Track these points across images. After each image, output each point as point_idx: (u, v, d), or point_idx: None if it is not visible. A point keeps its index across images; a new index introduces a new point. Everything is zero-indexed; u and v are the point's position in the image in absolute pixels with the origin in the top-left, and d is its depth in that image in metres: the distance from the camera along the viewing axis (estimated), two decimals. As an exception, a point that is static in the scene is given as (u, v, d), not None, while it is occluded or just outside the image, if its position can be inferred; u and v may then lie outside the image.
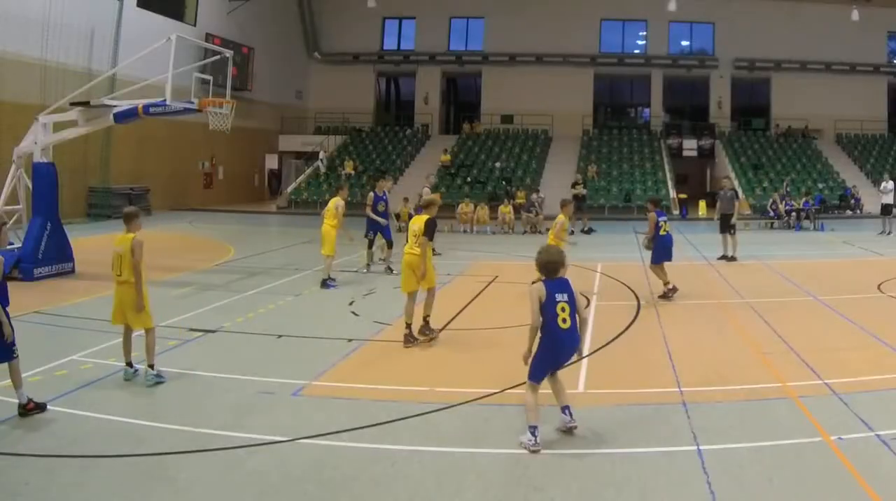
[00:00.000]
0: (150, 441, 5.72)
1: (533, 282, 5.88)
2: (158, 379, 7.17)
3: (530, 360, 5.78)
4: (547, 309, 5.68)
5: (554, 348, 5.74)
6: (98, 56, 25.48)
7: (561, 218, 11.65)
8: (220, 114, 14.24)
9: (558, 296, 5.72)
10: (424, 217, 9.05)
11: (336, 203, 13.24)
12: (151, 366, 7.20)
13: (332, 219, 13.10)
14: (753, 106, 40.77)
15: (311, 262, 15.52)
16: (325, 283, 12.67)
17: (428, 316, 9.04)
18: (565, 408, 5.88)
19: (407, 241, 9.14)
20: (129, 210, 7.74)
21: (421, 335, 8.91)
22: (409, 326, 8.84)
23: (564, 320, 5.69)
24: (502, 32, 39.30)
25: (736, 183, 29.69)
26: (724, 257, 16.10)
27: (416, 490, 4.97)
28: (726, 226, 16.35)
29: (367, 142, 38.83)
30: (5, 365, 6.23)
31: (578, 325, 5.84)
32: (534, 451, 5.49)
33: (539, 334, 5.73)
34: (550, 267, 5.84)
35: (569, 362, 6.03)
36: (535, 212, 24.54)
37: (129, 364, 7.33)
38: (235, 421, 6.13)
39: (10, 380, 6.23)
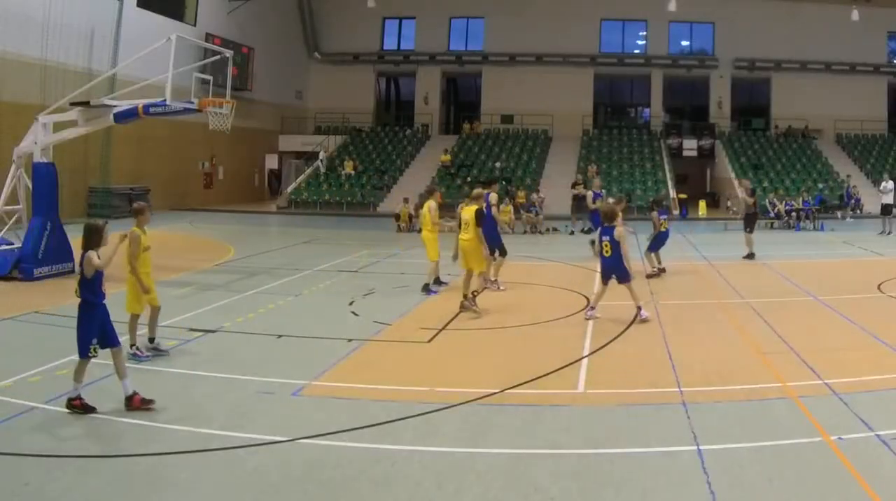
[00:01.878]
0: (150, 441, 5.73)
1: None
2: (139, 358, 7.82)
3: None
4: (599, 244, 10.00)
5: (601, 268, 10.09)
6: (98, 56, 25.42)
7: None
8: (220, 114, 14.23)
9: (604, 237, 9.87)
10: (474, 207, 10.80)
11: (429, 205, 12.52)
12: (151, 340, 8.09)
13: (429, 225, 12.43)
14: (753, 106, 40.73)
15: (311, 262, 15.54)
16: (427, 288, 12.16)
17: (473, 292, 10.46)
18: (592, 307, 10.07)
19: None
20: (134, 205, 8.70)
21: (461, 307, 10.32)
22: (465, 296, 10.42)
23: (606, 252, 9.84)
24: (502, 32, 39.26)
25: (736, 183, 29.76)
26: (750, 255, 16.24)
27: (416, 490, 4.97)
28: (747, 225, 16.64)
29: (367, 142, 38.79)
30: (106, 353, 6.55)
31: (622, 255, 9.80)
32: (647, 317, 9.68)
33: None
34: (606, 217, 9.99)
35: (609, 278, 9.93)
36: (536, 212, 24.53)
37: (132, 345, 7.95)
38: (235, 421, 6.13)
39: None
